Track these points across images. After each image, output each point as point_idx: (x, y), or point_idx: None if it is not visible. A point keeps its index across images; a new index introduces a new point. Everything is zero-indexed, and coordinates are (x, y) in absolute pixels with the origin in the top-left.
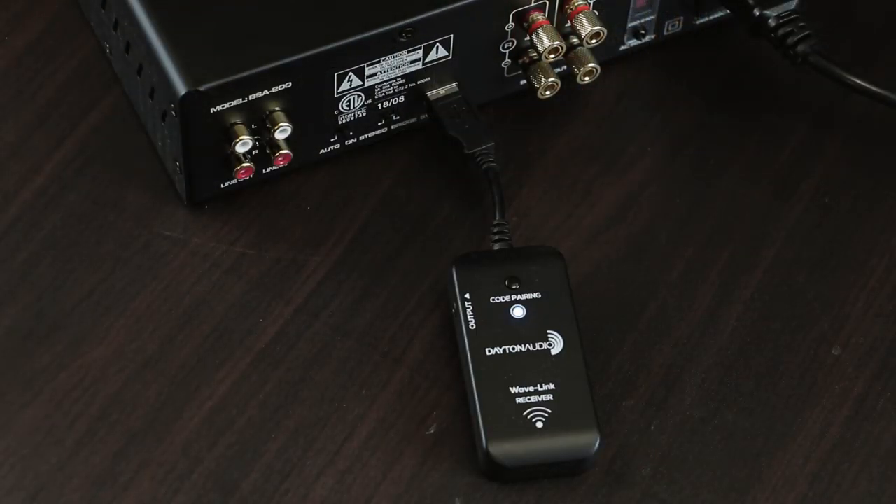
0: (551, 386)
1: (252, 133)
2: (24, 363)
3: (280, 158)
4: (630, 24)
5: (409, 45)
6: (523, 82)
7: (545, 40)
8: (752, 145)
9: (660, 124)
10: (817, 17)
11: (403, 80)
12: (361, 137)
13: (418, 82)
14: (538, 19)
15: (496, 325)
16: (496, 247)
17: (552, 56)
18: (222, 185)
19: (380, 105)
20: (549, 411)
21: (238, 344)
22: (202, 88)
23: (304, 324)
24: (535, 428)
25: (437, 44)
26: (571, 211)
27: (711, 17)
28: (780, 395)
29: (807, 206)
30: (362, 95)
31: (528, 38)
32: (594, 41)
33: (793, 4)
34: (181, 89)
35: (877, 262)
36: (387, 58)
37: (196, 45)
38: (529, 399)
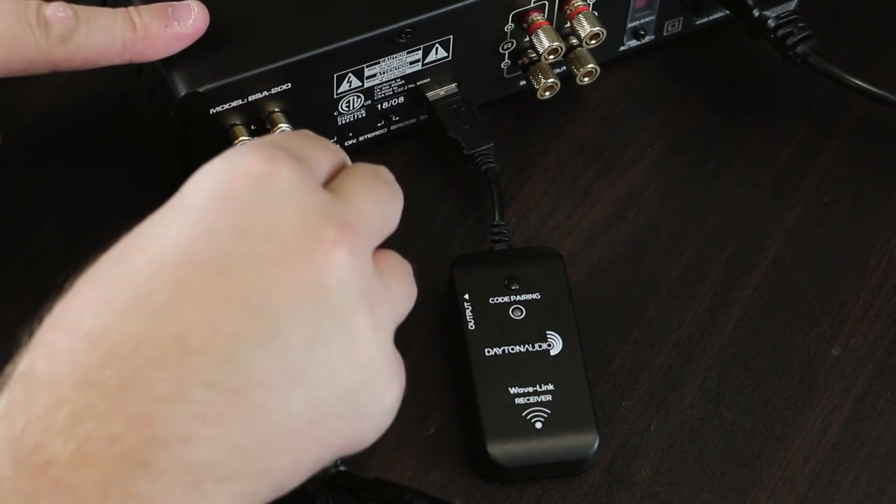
0: (550, 386)
1: (251, 134)
2: None
3: None
4: (630, 25)
5: (408, 46)
6: (523, 83)
7: (544, 41)
8: (752, 145)
9: (660, 124)
10: (817, 17)
11: (403, 81)
12: (361, 138)
13: (418, 83)
14: (537, 20)
15: (495, 325)
16: (496, 247)
17: (551, 57)
18: None
19: (379, 106)
20: (549, 412)
21: None
22: (201, 89)
23: None
24: (535, 428)
25: (437, 45)
26: (571, 211)
27: (711, 18)
28: (780, 395)
29: (807, 206)
30: (362, 96)
31: (527, 38)
32: (594, 42)
33: (792, 5)
34: (180, 90)
35: (877, 262)
36: (386, 59)
37: (195, 46)
38: (529, 399)
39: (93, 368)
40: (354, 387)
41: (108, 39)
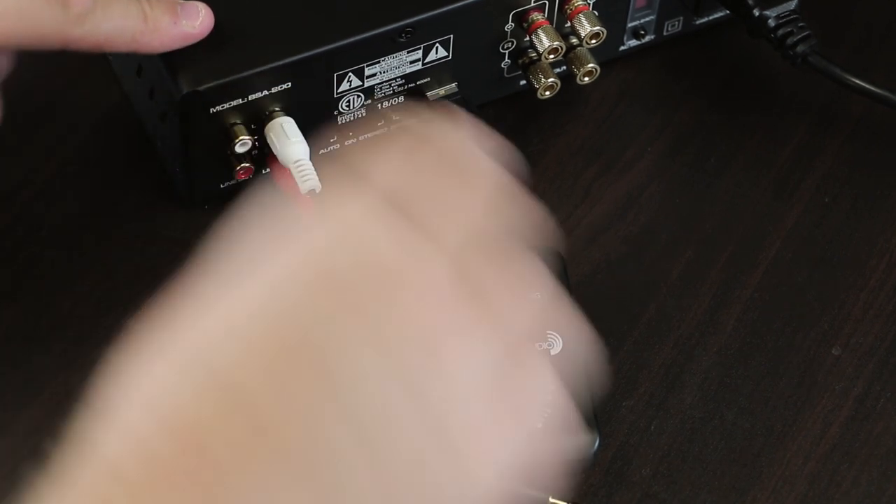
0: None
1: (252, 133)
2: (23, 363)
3: None
4: (630, 25)
5: (408, 46)
6: (523, 82)
7: (545, 41)
8: (752, 145)
9: (660, 124)
10: (817, 17)
11: (403, 81)
12: (361, 138)
13: (418, 83)
14: (538, 20)
15: None
16: None
17: (552, 56)
18: (222, 185)
19: (379, 105)
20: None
21: None
22: (201, 89)
23: None
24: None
25: (437, 44)
26: (571, 211)
27: (711, 17)
28: (780, 395)
29: (807, 206)
30: (362, 96)
31: (527, 38)
32: (594, 41)
33: (793, 5)
34: (181, 89)
35: (877, 262)
36: (386, 58)
37: (196, 46)
38: None
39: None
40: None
41: (120, 27)
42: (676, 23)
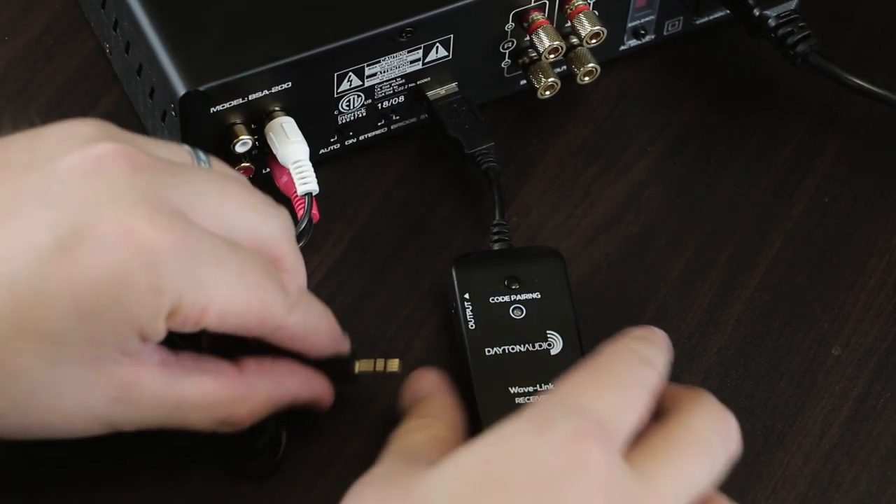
0: (551, 386)
1: (252, 133)
2: None
3: None
4: (630, 24)
5: (408, 45)
6: (523, 82)
7: (545, 40)
8: (752, 145)
9: (660, 124)
10: (817, 16)
11: (403, 80)
12: (361, 137)
13: (418, 82)
14: (538, 19)
15: (496, 325)
16: (496, 247)
17: (552, 56)
18: None
19: (380, 105)
20: None
21: None
22: (202, 88)
23: None
24: None
25: (437, 44)
26: (571, 211)
27: (711, 17)
28: (780, 395)
29: (807, 206)
30: (362, 95)
31: (527, 38)
32: (594, 41)
33: (793, 4)
34: (181, 89)
35: (877, 262)
36: (387, 58)
37: (196, 45)
38: (529, 399)
39: None
40: None
41: (319, 323)
42: (676, 23)
